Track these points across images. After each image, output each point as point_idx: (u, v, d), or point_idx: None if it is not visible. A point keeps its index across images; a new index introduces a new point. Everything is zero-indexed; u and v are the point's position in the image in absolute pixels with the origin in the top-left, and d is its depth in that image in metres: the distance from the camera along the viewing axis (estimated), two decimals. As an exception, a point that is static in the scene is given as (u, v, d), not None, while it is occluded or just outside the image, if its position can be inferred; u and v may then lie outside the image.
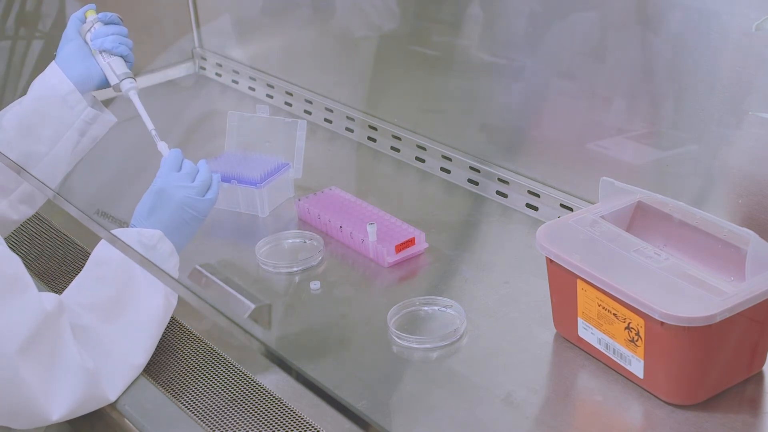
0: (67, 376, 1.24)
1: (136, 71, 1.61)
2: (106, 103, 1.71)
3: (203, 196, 1.45)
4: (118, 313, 1.33)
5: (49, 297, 1.25)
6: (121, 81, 1.57)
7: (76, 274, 1.37)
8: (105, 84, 1.59)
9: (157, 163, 1.49)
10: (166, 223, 1.41)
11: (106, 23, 1.59)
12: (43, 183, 1.49)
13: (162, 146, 1.55)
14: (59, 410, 1.23)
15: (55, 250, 1.67)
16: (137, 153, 1.87)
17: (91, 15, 1.60)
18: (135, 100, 1.58)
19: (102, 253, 1.37)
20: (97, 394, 1.28)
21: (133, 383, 1.33)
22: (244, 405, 1.27)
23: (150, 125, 1.57)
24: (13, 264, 1.23)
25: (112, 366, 1.30)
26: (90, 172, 1.87)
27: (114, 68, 1.57)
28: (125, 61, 1.59)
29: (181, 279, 1.39)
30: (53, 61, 1.57)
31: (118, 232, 1.37)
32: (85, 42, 1.59)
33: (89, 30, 1.58)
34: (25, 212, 1.58)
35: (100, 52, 1.57)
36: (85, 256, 1.41)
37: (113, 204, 1.79)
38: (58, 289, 1.50)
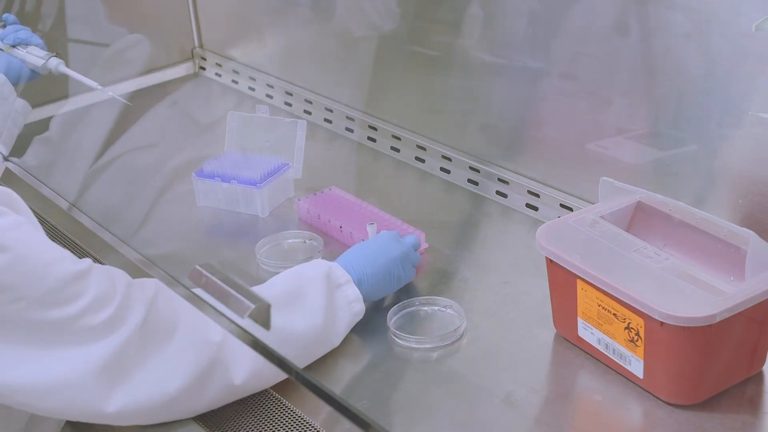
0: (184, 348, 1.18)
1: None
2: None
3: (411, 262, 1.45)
4: (285, 301, 1.28)
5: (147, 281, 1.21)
6: (47, 60, 1.66)
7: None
8: (28, 75, 1.66)
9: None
10: (369, 271, 1.38)
11: (9, 24, 1.69)
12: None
13: (371, 229, 1.53)
14: (181, 380, 1.17)
15: (55, 250, 1.67)
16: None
17: None
18: (67, 71, 1.66)
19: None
20: (219, 368, 1.20)
21: None
22: (244, 405, 1.27)
23: (93, 84, 1.64)
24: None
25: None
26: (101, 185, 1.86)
27: (35, 54, 1.66)
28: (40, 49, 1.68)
29: (181, 279, 1.39)
30: None
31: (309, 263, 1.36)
32: None
33: None
34: None
35: (15, 46, 1.66)
36: (84, 256, 1.40)
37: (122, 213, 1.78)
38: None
